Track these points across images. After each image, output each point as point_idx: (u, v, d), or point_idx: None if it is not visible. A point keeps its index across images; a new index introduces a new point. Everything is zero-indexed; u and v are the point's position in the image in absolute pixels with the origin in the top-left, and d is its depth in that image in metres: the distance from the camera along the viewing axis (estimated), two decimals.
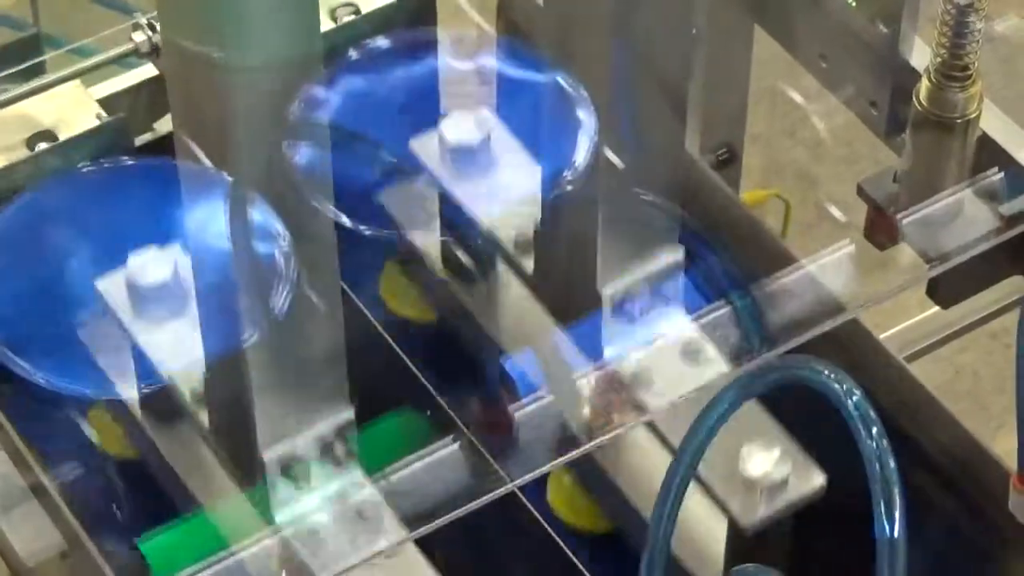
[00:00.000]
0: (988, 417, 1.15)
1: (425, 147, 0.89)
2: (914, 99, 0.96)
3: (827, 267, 0.89)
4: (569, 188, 0.86)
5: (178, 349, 0.85)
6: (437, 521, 0.81)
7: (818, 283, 0.89)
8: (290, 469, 0.83)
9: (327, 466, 0.83)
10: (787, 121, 1.07)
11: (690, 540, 0.89)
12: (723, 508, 0.87)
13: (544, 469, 0.86)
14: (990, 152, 0.97)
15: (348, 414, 0.84)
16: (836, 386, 0.75)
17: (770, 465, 0.86)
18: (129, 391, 0.89)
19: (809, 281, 0.89)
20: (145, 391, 0.89)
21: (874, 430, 0.74)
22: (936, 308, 1.13)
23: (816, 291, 0.89)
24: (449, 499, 0.81)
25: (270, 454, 0.82)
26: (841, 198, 0.97)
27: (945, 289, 1.04)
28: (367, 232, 0.84)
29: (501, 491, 0.82)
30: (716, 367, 0.87)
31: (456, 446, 0.83)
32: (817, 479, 0.90)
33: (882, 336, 1.09)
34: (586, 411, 0.87)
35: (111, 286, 0.87)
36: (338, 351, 0.83)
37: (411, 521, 0.83)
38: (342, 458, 0.84)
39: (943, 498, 1.04)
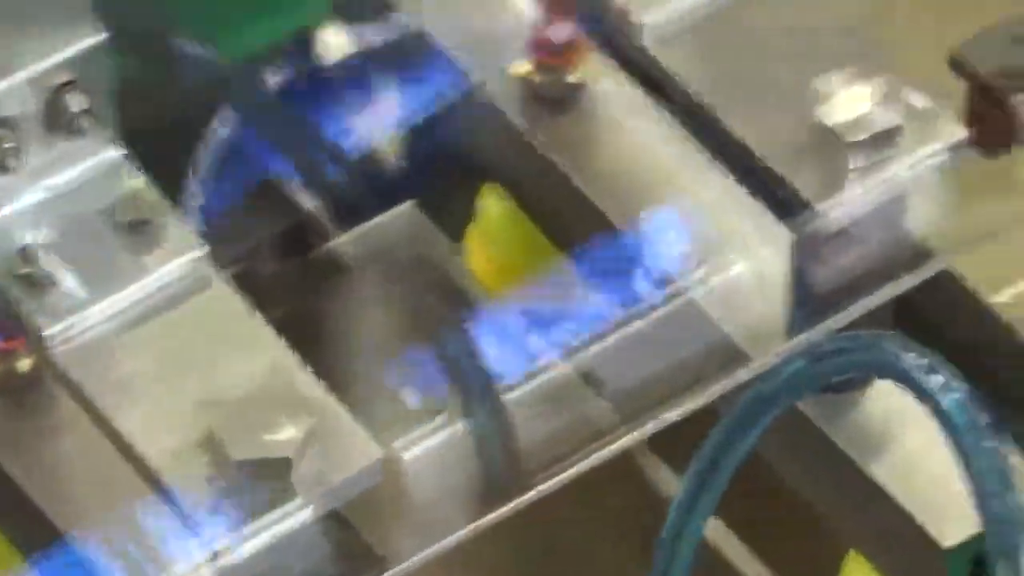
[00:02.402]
0: None
1: None
2: None
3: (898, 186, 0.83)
4: None
5: None
6: None
7: (890, 216, 0.82)
8: None
9: None
10: None
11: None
12: None
13: None
14: None
15: None
16: (925, 378, 0.73)
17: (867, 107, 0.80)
18: None
19: (875, 213, 0.83)
20: None
21: (986, 444, 0.72)
22: None
23: (887, 228, 0.83)
24: None
25: None
26: (928, 73, 0.87)
27: None
28: None
29: None
30: None
31: None
32: None
33: (995, 300, 1.01)
34: None
35: None
36: None
37: None
38: None
39: None
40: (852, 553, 0.96)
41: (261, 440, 0.73)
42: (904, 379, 0.72)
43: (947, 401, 0.71)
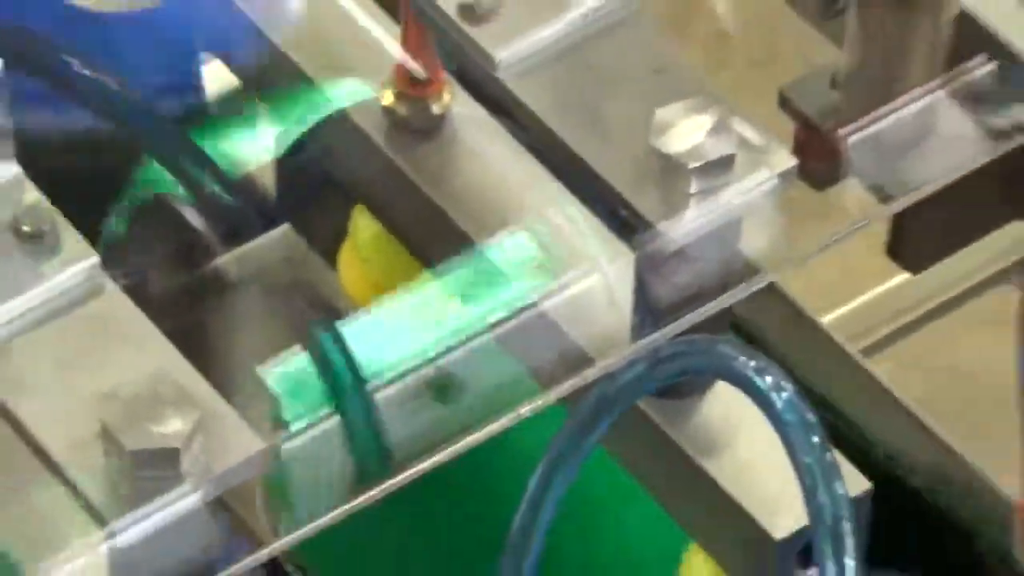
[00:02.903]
0: (977, 431, 1.09)
1: None
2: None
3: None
4: None
5: None
6: None
7: (723, 236, 0.84)
8: None
9: None
10: (675, 5, 1.00)
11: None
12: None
13: None
14: (973, 37, 0.94)
15: None
16: (762, 379, 0.76)
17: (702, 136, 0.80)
18: None
19: (710, 234, 0.84)
20: None
21: (814, 439, 0.74)
22: (902, 276, 1.10)
23: (721, 247, 0.85)
24: None
25: None
26: (756, 114, 0.87)
27: (913, 246, 1.02)
28: None
29: None
30: None
31: None
32: None
33: (826, 319, 1.09)
34: None
35: None
36: None
37: None
38: None
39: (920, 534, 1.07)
40: (692, 546, 0.97)
41: (151, 432, 0.73)
42: (737, 379, 0.74)
43: (777, 399, 0.73)
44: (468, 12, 0.82)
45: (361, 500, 0.84)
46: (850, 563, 0.71)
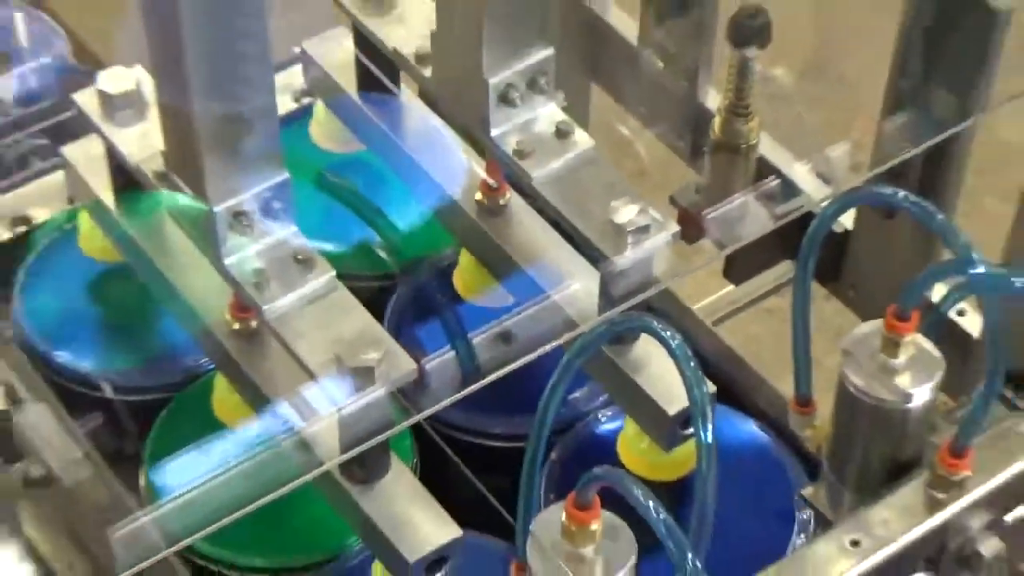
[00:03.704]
0: (765, 369, 1.06)
1: None
2: (710, 131, 0.90)
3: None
4: None
5: (141, 142, 0.76)
6: None
7: (644, 264, 0.81)
8: (238, 221, 0.72)
9: (267, 219, 0.73)
10: (615, 154, 0.97)
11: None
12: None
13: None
14: (766, 168, 0.91)
15: (284, 175, 0.73)
16: (666, 332, 0.71)
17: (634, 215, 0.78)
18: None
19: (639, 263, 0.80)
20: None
21: (692, 365, 0.69)
22: (730, 286, 1.09)
23: (642, 270, 0.81)
24: None
25: (221, 210, 0.71)
26: (660, 207, 0.84)
27: (736, 270, 0.99)
28: None
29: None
30: (584, 142, 0.81)
31: None
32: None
33: (695, 306, 1.10)
34: None
35: (85, 97, 0.77)
36: (272, 120, 0.70)
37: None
38: (280, 214, 0.73)
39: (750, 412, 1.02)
40: (628, 419, 0.88)
41: (360, 356, 0.69)
42: (653, 332, 0.71)
43: (672, 342, 0.69)
44: (518, 154, 0.79)
45: None
46: (710, 427, 0.68)
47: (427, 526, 0.75)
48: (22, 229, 0.96)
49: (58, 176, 0.94)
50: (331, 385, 0.71)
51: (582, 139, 0.80)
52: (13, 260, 0.96)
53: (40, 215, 0.97)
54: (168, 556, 0.70)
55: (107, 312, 0.95)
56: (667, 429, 0.80)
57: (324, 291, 0.73)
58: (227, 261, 0.72)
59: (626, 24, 0.98)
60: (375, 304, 0.87)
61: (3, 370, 0.80)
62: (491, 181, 0.82)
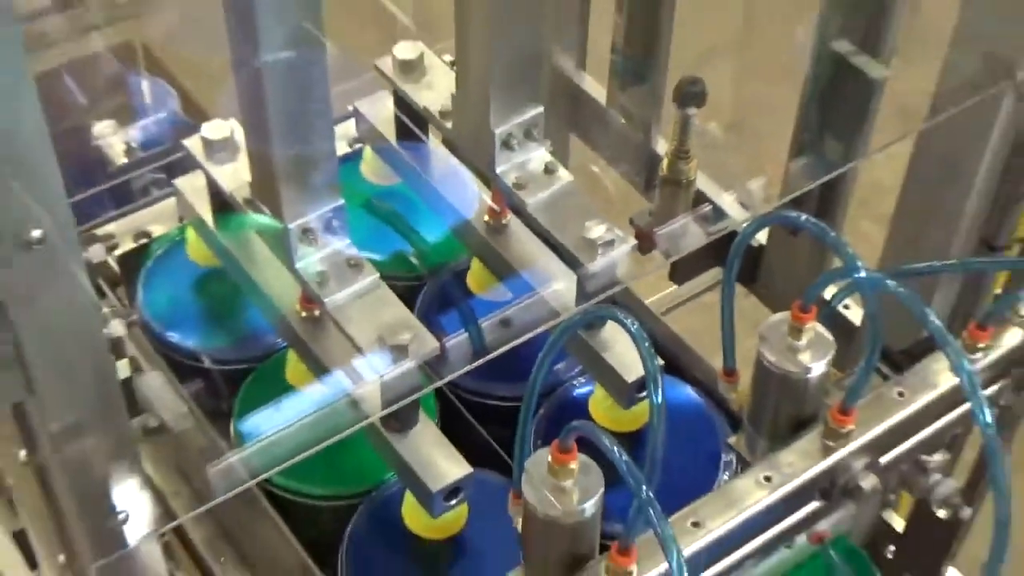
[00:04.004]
0: (701, 348, 1.02)
1: None
2: (660, 170, 0.88)
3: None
4: None
5: (234, 176, 0.74)
6: None
7: (609, 269, 0.78)
8: (306, 236, 0.71)
9: (328, 235, 0.71)
10: (589, 186, 0.93)
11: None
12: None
13: None
14: (701, 197, 0.89)
15: (340, 201, 0.71)
16: (626, 320, 0.67)
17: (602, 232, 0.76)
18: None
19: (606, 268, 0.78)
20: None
21: (646, 344, 0.66)
22: (674, 286, 1.03)
23: (608, 274, 0.78)
24: None
25: (293, 227, 0.70)
26: (622, 226, 0.82)
27: (679, 273, 0.96)
28: None
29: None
30: (565, 177, 0.78)
31: None
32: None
33: (647, 300, 1.06)
34: None
35: (192, 142, 0.76)
36: (332, 160, 0.69)
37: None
38: (337, 230, 0.72)
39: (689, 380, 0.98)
40: (598, 385, 0.86)
41: (399, 336, 0.67)
42: (617, 320, 0.68)
43: (632, 327, 0.66)
44: (516, 186, 0.77)
45: None
46: (660, 391, 0.64)
47: (445, 464, 0.74)
48: (144, 241, 0.96)
49: (171, 201, 0.93)
50: (375, 359, 0.69)
51: (564, 175, 0.78)
52: (137, 264, 0.95)
53: (157, 230, 0.96)
54: (251, 486, 0.70)
55: (207, 303, 0.94)
56: (626, 393, 0.79)
57: (370, 288, 0.72)
58: (298, 265, 0.71)
59: (597, 89, 0.98)
60: (408, 298, 0.84)
61: (130, 347, 0.80)
62: (495, 207, 0.81)
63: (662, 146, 0.91)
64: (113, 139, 0.94)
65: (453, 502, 0.74)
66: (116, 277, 0.95)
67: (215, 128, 0.75)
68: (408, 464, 0.74)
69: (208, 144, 0.75)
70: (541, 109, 0.77)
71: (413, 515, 0.82)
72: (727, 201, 0.88)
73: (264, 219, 0.71)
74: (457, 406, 0.94)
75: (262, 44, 0.59)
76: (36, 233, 0.48)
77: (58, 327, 0.52)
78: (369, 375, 0.69)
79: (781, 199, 0.89)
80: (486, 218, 0.81)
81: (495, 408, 0.94)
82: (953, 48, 0.81)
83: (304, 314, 0.75)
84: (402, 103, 0.83)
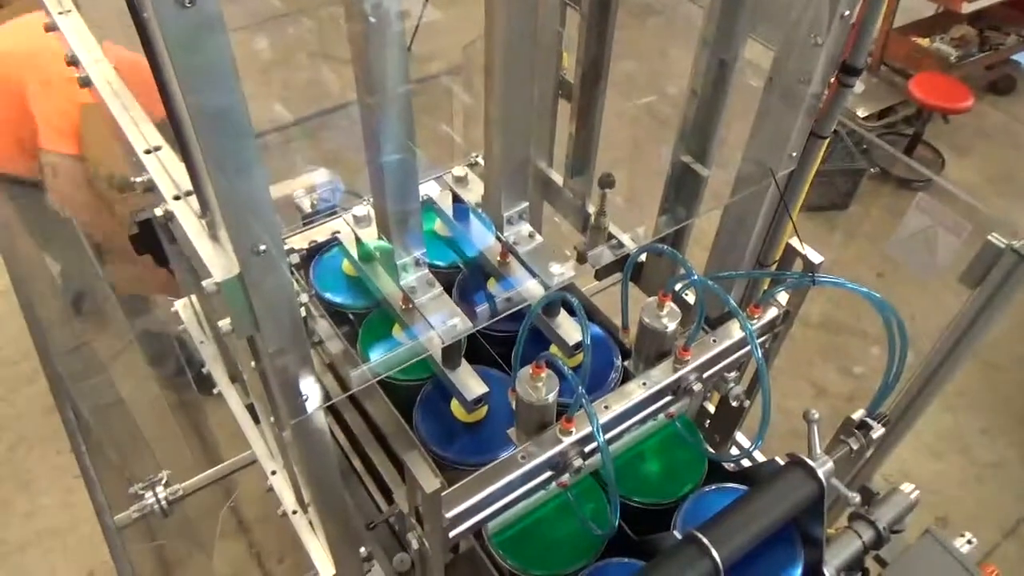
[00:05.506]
0: (611, 315, 0.95)
1: None
2: (590, 221, 0.89)
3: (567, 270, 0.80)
4: None
5: (367, 230, 0.74)
6: None
7: (563, 278, 0.78)
8: (406, 266, 0.69)
9: (418, 268, 0.70)
10: (552, 236, 0.88)
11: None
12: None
13: None
14: (611, 235, 0.90)
15: (423, 248, 0.70)
16: (573, 299, 0.69)
17: (560, 267, 0.74)
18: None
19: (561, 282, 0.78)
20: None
21: (583, 310, 0.67)
22: (597, 281, 0.98)
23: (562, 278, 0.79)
24: None
25: (400, 261, 0.69)
26: (570, 251, 0.81)
27: (599, 275, 0.94)
28: None
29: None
30: (538, 239, 0.75)
31: None
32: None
33: (584, 288, 1.04)
34: None
35: (346, 216, 0.75)
36: (417, 215, 0.67)
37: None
38: (422, 264, 0.71)
39: (604, 330, 0.94)
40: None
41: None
42: (568, 306, 0.71)
43: (574, 304, 0.66)
44: (513, 244, 0.76)
45: None
46: (587, 336, 0.64)
47: (473, 383, 0.77)
48: (314, 246, 0.95)
49: (328, 224, 0.92)
50: (440, 331, 0.71)
51: (538, 238, 0.79)
52: (311, 259, 0.94)
53: (320, 239, 0.95)
54: (373, 383, 0.69)
55: (346, 281, 0.92)
56: (568, 351, 0.81)
57: (437, 295, 0.73)
58: (401, 280, 0.73)
59: (558, 177, 0.96)
60: (452, 279, 0.83)
61: (313, 308, 0.81)
62: (501, 256, 0.79)
63: (591, 208, 0.93)
64: (304, 199, 0.97)
65: (479, 406, 0.79)
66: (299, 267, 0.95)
67: (359, 208, 0.78)
68: (455, 385, 0.78)
69: (356, 218, 0.79)
70: (527, 203, 0.78)
71: (457, 410, 0.84)
72: (625, 238, 0.90)
73: (381, 247, 0.73)
74: (481, 340, 0.93)
75: (383, 152, 0.62)
76: (262, 247, 0.51)
77: (272, 295, 0.54)
78: (431, 332, 0.71)
79: (654, 237, 0.92)
80: (497, 258, 0.80)
81: (501, 338, 0.93)
82: (743, 160, 0.85)
83: (404, 306, 0.75)
84: (456, 197, 0.85)
